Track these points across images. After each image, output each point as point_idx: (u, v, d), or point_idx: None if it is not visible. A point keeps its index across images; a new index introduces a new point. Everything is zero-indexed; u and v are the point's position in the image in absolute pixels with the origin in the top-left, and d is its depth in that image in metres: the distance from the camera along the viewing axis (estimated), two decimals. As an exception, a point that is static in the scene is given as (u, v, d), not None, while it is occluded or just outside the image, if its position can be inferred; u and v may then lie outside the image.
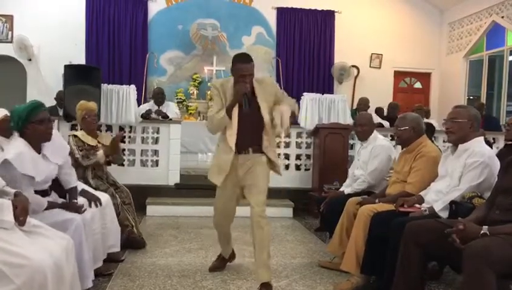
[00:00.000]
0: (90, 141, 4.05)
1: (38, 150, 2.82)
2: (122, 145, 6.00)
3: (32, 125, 2.73)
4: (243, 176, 3.19)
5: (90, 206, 3.24)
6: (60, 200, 3.04)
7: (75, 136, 4.04)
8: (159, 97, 6.88)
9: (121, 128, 6.10)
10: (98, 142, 4.10)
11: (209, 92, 8.34)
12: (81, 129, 4.16)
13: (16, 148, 2.69)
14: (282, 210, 5.87)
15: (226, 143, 3.14)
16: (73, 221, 2.81)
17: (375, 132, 4.08)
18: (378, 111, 7.95)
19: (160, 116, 6.45)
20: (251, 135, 3.13)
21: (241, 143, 3.13)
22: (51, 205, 2.87)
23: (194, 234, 4.76)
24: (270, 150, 3.22)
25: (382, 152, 3.92)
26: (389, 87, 9.92)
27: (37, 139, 2.79)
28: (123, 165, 6.04)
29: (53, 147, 2.91)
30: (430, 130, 4.95)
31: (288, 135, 6.43)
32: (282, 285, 3.30)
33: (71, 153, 3.94)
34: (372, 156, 3.93)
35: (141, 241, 4.19)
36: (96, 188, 3.80)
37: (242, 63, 3.10)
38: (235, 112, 3.11)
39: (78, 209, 2.95)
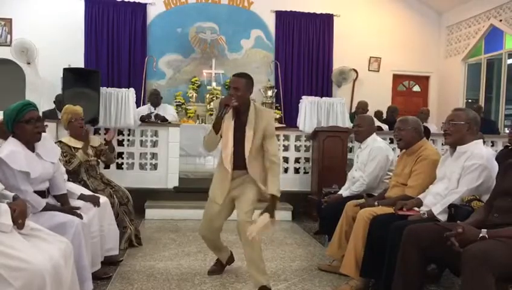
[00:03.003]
0: (75, 143, 4.00)
1: (32, 149, 2.83)
2: (120, 149, 6.01)
3: (20, 125, 2.73)
4: (234, 188, 3.24)
5: (95, 206, 3.33)
6: (58, 205, 3.04)
7: (61, 141, 4.00)
8: (155, 98, 6.93)
9: (124, 132, 6.09)
10: (86, 146, 4.06)
11: (207, 95, 8.36)
12: (69, 135, 4.12)
13: (9, 147, 2.71)
14: (281, 213, 5.85)
15: (223, 165, 3.20)
16: (72, 224, 2.81)
17: (374, 134, 4.09)
18: (377, 114, 7.97)
19: (158, 120, 6.47)
20: (243, 157, 3.16)
21: (237, 163, 3.18)
22: (49, 207, 2.88)
23: (192, 237, 4.75)
24: (255, 173, 3.18)
25: (380, 154, 3.95)
26: (388, 91, 9.94)
27: (27, 139, 2.78)
28: (122, 168, 6.04)
29: (45, 146, 2.92)
30: (426, 134, 4.96)
31: (287, 138, 6.45)
32: (281, 288, 3.30)
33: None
34: (370, 158, 3.96)
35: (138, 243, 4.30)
36: (94, 190, 3.80)
37: (233, 76, 3.21)
38: (231, 134, 3.14)
39: (77, 214, 2.95)
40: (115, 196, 4.03)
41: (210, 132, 3.16)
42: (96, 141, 4.33)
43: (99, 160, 4.27)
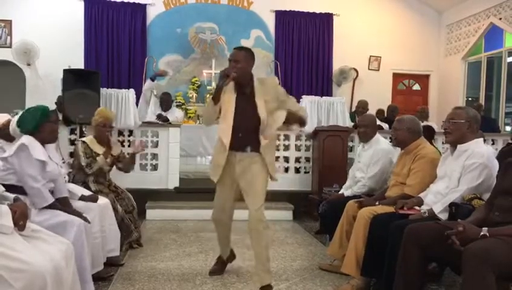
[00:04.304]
0: (97, 149, 4.02)
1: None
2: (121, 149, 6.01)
3: (48, 124, 2.97)
4: (240, 175, 3.17)
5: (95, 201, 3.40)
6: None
7: (84, 142, 4.02)
8: (166, 102, 6.99)
9: (124, 133, 6.08)
10: (106, 152, 4.08)
11: (207, 95, 8.36)
12: (89, 135, 4.12)
13: (28, 139, 2.89)
14: (282, 213, 5.86)
15: (221, 140, 3.15)
16: (73, 224, 2.82)
17: (377, 134, 4.05)
18: (379, 113, 7.95)
19: (160, 120, 6.49)
20: (248, 133, 3.10)
21: (238, 141, 3.10)
22: (57, 206, 2.93)
23: (193, 237, 4.75)
24: (268, 151, 3.17)
25: (384, 156, 3.89)
26: (388, 90, 9.93)
27: (48, 138, 3.00)
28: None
29: (51, 149, 3.09)
30: (430, 133, 4.95)
31: (287, 138, 6.44)
32: (282, 288, 3.30)
33: (76, 160, 3.95)
34: (373, 161, 3.90)
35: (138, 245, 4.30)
36: (96, 192, 3.79)
37: (234, 49, 3.20)
38: (232, 106, 3.09)
39: (81, 217, 2.97)
40: (118, 204, 4.00)
41: (208, 102, 3.14)
42: (117, 149, 4.29)
43: (114, 166, 4.26)
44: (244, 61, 3.11)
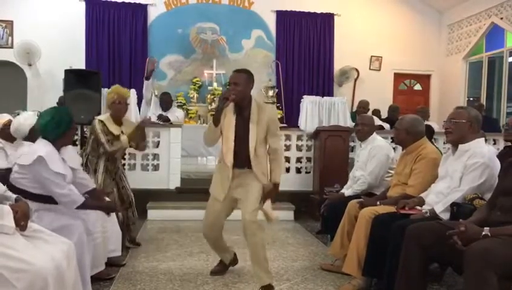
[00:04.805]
0: (114, 129, 3.98)
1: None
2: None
3: (72, 130, 2.99)
4: (236, 188, 3.23)
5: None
6: None
7: (101, 121, 3.97)
8: (165, 102, 6.98)
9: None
10: (122, 132, 4.04)
11: (208, 96, 8.37)
12: (109, 114, 4.04)
13: (45, 148, 2.81)
14: (283, 213, 5.84)
15: (223, 161, 3.20)
16: (75, 226, 2.82)
17: (374, 133, 4.15)
18: (375, 113, 7.95)
19: (161, 121, 6.49)
20: (246, 153, 3.16)
21: (238, 160, 3.17)
22: (89, 204, 2.97)
23: (195, 237, 4.75)
24: (258, 169, 3.20)
25: (380, 152, 3.99)
26: (389, 90, 9.92)
27: (68, 143, 2.99)
28: (123, 169, 6.03)
29: (67, 152, 3.03)
30: (429, 132, 4.96)
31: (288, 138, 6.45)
32: (284, 288, 3.30)
33: (96, 138, 3.92)
34: (370, 157, 4.00)
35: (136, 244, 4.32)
36: (100, 186, 3.79)
37: (233, 72, 3.24)
38: (232, 129, 3.15)
39: (114, 208, 2.99)
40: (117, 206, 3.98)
41: (210, 125, 3.19)
42: (130, 126, 4.18)
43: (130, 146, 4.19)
44: (243, 84, 3.14)
